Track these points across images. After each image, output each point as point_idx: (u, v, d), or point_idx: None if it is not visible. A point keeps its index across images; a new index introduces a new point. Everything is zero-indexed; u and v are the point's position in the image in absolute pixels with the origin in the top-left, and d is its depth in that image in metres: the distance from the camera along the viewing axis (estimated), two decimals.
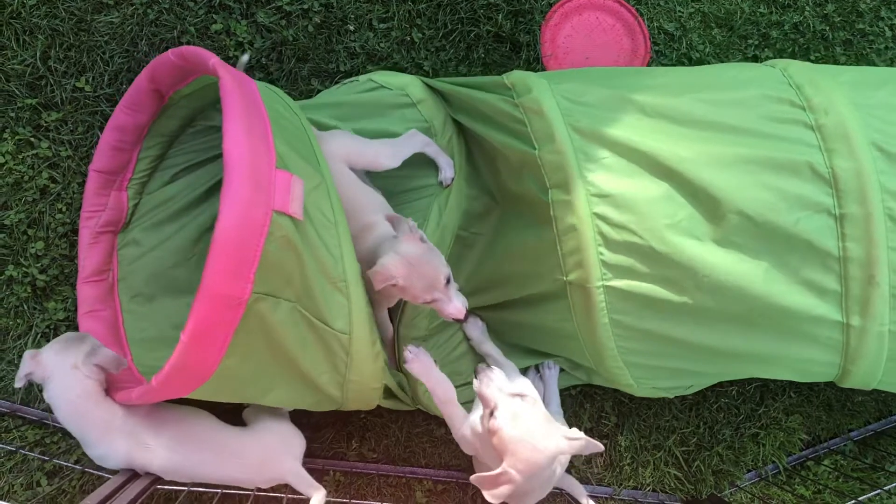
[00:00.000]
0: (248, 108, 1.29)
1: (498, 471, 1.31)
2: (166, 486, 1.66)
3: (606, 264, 1.48)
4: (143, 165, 1.83)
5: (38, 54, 1.97)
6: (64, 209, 1.96)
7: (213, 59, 1.37)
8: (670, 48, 2.18)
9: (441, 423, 1.96)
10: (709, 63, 2.17)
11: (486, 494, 1.33)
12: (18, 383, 1.50)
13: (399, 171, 1.77)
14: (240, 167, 1.19)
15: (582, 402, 2.04)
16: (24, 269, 1.93)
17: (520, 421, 1.33)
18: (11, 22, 1.97)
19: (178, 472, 1.60)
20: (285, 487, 1.86)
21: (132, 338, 1.80)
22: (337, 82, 2.02)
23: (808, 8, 2.23)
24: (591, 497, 1.83)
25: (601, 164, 1.49)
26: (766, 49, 2.21)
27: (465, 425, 1.58)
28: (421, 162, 1.82)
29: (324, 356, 1.47)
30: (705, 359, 1.60)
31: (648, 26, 2.16)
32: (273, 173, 1.25)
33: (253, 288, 1.20)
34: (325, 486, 1.68)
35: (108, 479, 1.58)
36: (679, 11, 2.19)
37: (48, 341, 1.59)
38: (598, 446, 1.36)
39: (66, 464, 1.87)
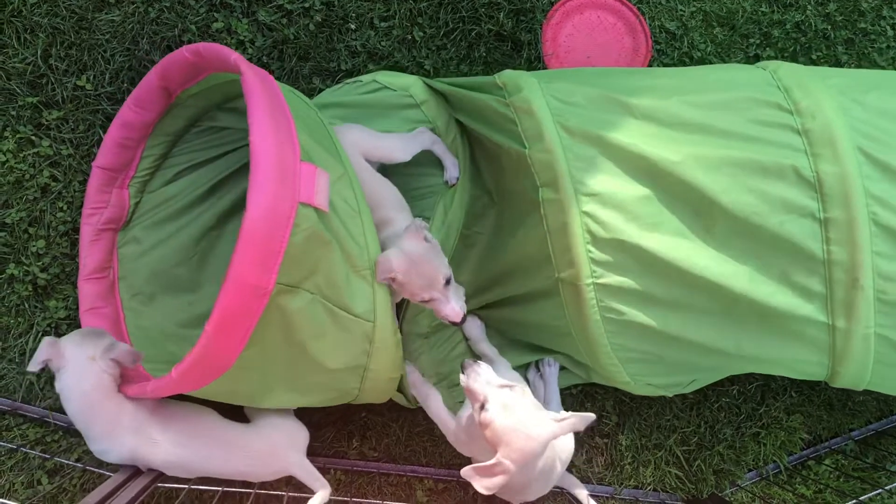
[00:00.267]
0: (271, 102, 1.30)
1: (492, 461, 1.31)
2: (167, 485, 1.67)
3: (595, 262, 1.49)
4: (147, 164, 1.83)
5: (38, 52, 1.97)
6: (65, 207, 1.96)
7: (234, 55, 1.37)
8: (672, 47, 2.18)
9: None
10: (710, 62, 2.17)
11: (478, 486, 1.31)
12: (33, 367, 1.50)
13: (405, 169, 1.78)
14: (266, 160, 1.20)
15: (583, 402, 2.04)
16: (25, 267, 1.93)
17: (511, 411, 1.32)
18: (12, 20, 1.97)
19: (185, 467, 1.60)
20: (286, 485, 1.87)
21: (133, 335, 1.79)
22: (338, 81, 2.02)
23: (809, 7, 2.23)
24: (592, 496, 1.83)
25: (590, 164, 1.50)
26: (767, 48, 2.21)
27: (459, 428, 1.59)
28: (426, 161, 1.82)
29: (344, 346, 1.47)
30: (698, 354, 1.61)
31: (650, 25, 2.16)
32: (298, 166, 1.26)
33: (277, 279, 1.21)
34: None
35: (109, 477, 1.59)
36: (681, 10, 2.19)
37: None
38: (590, 416, 1.34)
39: (66, 462, 1.87)
